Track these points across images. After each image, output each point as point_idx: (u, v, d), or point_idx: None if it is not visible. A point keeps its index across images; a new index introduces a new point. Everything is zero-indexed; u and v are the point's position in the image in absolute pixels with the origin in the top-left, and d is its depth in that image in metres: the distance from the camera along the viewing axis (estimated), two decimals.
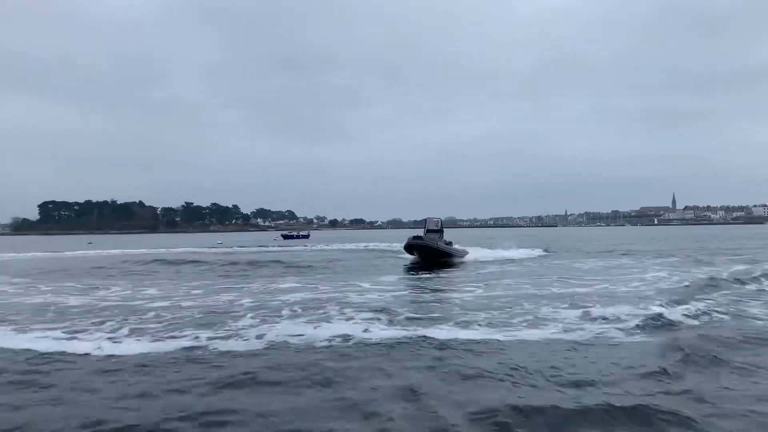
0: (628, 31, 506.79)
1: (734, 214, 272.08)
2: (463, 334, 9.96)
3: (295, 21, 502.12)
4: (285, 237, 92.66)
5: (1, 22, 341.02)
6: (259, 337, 10.07)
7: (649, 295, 15.24)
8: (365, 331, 10.33)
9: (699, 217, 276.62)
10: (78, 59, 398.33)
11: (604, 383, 6.98)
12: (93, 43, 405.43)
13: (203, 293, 17.23)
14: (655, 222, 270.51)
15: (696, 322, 11.02)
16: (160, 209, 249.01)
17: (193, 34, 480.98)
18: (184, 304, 14.91)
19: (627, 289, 16.86)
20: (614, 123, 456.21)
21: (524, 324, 11.12)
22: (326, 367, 7.72)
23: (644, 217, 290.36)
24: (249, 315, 12.63)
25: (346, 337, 9.78)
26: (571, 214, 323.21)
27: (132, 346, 9.49)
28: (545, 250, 39.83)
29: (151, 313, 13.25)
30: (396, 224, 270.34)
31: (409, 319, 11.92)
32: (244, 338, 10.03)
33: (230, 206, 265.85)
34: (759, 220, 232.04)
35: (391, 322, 11.39)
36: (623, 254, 34.67)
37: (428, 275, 23.15)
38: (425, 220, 33.28)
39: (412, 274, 23.70)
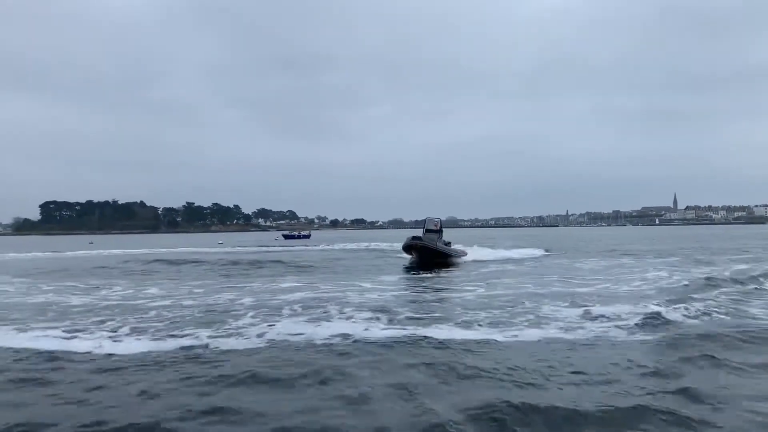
0: (628, 31, 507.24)
1: (736, 214, 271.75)
2: (463, 334, 9.98)
3: (295, 21, 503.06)
4: (286, 237, 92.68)
5: (1, 22, 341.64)
6: (260, 335, 10.10)
7: (649, 294, 15.25)
8: (365, 330, 10.36)
9: (700, 217, 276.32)
10: (78, 59, 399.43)
11: (603, 382, 6.99)
12: (93, 43, 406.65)
13: (204, 293, 17.26)
14: (657, 222, 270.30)
15: (695, 322, 11.03)
16: (161, 209, 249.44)
17: (193, 34, 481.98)
18: (185, 303, 14.95)
19: (628, 289, 16.88)
20: (614, 123, 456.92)
21: (524, 324, 11.12)
22: (325, 366, 7.74)
23: (645, 217, 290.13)
24: (249, 314, 12.66)
25: (345, 336, 9.81)
26: (572, 214, 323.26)
27: (133, 345, 9.52)
28: (546, 250, 39.82)
29: (153, 312, 13.29)
30: (397, 224, 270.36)
31: (409, 318, 11.94)
32: (245, 337, 10.07)
33: (231, 206, 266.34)
34: (760, 220, 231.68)
35: (391, 322, 11.41)
36: (624, 254, 34.65)
37: (429, 275, 23.16)
38: (425, 220, 32.87)
39: (413, 274, 23.71)
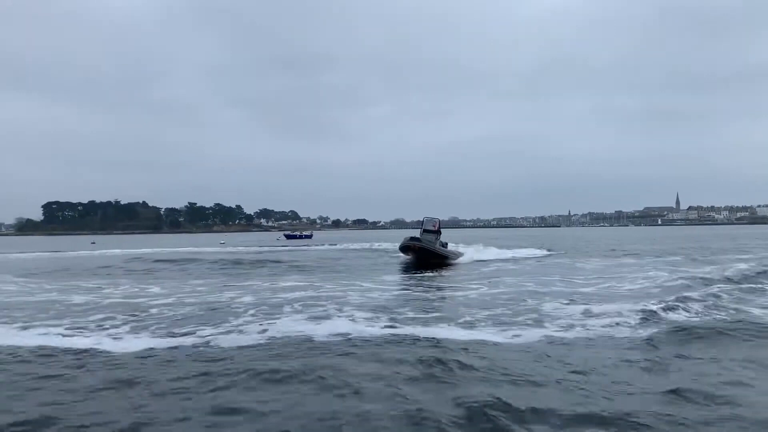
0: (628, 31, 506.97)
1: (738, 215, 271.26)
2: (463, 334, 9.98)
3: (295, 21, 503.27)
4: (288, 237, 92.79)
5: (1, 22, 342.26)
6: (260, 333, 10.13)
7: (648, 294, 15.26)
8: (364, 329, 10.39)
9: (703, 217, 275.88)
10: (78, 59, 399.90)
11: (600, 382, 6.98)
12: (93, 43, 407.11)
13: (205, 291, 17.32)
14: (659, 222, 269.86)
15: (694, 321, 11.03)
16: (163, 210, 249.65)
17: (193, 34, 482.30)
18: (187, 301, 15.04)
19: (627, 288, 16.89)
20: (614, 123, 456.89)
21: (525, 323, 11.11)
22: (323, 365, 7.75)
23: (648, 217, 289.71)
24: (250, 312, 12.72)
25: (345, 335, 9.83)
26: (574, 215, 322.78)
27: (133, 343, 9.58)
28: (548, 250, 39.80)
29: (154, 310, 13.37)
30: (399, 224, 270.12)
31: (409, 318, 11.96)
32: (245, 334, 10.11)
33: (233, 206, 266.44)
34: (763, 221, 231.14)
35: (391, 321, 11.42)
36: (625, 254, 34.62)
37: (431, 274, 23.21)
38: (422, 220, 32.30)
39: (414, 273, 23.70)
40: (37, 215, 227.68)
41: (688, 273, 20.93)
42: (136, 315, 12.68)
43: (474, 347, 8.90)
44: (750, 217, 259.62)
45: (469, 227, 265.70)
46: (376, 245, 52.14)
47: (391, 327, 10.63)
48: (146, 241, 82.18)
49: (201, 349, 9.09)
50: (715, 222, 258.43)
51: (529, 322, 11.23)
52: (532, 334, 9.93)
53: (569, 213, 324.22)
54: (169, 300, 15.33)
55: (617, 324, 10.63)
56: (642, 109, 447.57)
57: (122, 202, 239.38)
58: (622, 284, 17.97)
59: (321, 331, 10.16)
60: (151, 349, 9.12)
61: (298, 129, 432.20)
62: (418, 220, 31.63)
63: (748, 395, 6.43)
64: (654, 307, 12.10)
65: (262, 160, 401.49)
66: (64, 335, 10.34)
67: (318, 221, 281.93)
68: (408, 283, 20.05)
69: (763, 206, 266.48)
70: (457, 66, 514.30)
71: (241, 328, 10.77)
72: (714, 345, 8.94)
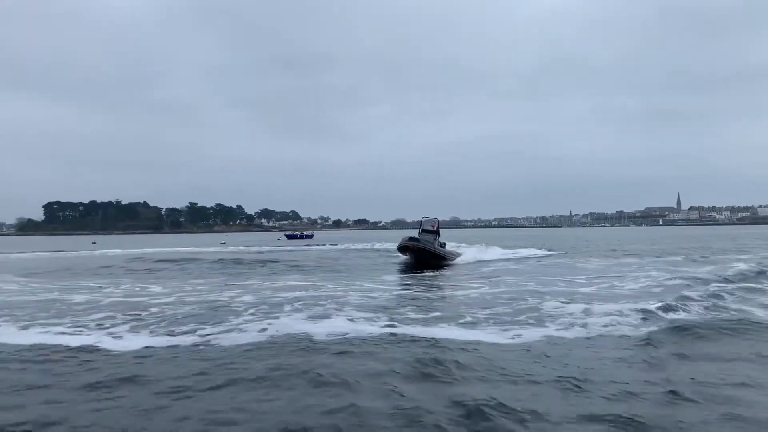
0: (628, 31, 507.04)
1: (739, 215, 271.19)
2: (462, 333, 9.95)
3: (295, 21, 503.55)
4: (289, 237, 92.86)
5: (1, 22, 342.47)
6: (259, 332, 10.14)
7: (649, 294, 15.24)
8: (364, 328, 10.38)
9: (704, 217, 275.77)
10: (78, 59, 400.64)
11: (597, 382, 6.95)
12: (93, 43, 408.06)
13: (206, 291, 17.34)
14: (660, 222, 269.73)
15: (696, 319, 11.02)
16: (164, 210, 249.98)
17: (193, 34, 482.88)
18: (187, 300, 15.07)
19: (629, 288, 16.87)
20: (614, 123, 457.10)
21: (524, 323, 11.06)
22: (321, 363, 7.77)
23: (649, 217, 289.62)
24: (250, 311, 12.73)
25: (344, 334, 9.83)
26: (575, 215, 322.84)
27: (133, 341, 9.60)
28: (549, 250, 39.79)
29: (154, 309, 13.40)
30: (400, 224, 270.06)
31: (408, 317, 11.95)
32: (245, 333, 10.13)
33: (234, 207, 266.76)
34: (764, 221, 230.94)
35: (390, 320, 11.38)
36: (625, 254, 34.61)
37: (431, 273, 23.22)
38: (421, 220, 31.81)
39: (415, 273, 23.69)
40: (38, 215, 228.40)
41: (688, 273, 20.92)
42: (137, 314, 12.70)
43: (473, 347, 8.90)
44: (751, 217, 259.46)
45: (470, 227, 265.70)
46: (377, 245, 52.15)
47: (390, 326, 10.62)
48: (147, 241, 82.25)
49: (200, 347, 9.11)
50: (716, 222, 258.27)
51: (529, 321, 11.21)
52: (532, 334, 9.91)
53: (570, 213, 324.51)
54: (170, 299, 15.36)
55: (617, 323, 10.61)
56: (642, 109, 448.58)
57: (123, 202, 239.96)
58: (623, 284, 17.96)
59: (320, 330, 10.17)
60: (151, 347, 9.14)
61: (299, 129, 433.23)
62: (419, 221, 31.44)
63: (748, 395, 6.41)
64: (654, 307, 12.09)
65: (263, 160, 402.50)
66: (64, 334, 10.36)
67: (319, 221, 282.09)
68: (408, 282, 20.06)
69: (765, 206, 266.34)
70: (457, 66, 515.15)
71: (240, 326, 10.78)
72: (714, 345, 8.94)
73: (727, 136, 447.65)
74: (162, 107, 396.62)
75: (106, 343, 9.50)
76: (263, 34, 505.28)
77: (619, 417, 5.65)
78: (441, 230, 30.58)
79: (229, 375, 7.29)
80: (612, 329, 10.21)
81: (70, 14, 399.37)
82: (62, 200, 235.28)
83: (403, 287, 18.46)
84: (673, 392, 6.43)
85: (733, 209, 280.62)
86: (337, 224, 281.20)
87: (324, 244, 60.35)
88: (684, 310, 11.93)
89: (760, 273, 20.09)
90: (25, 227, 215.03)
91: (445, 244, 30.80)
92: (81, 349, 9.08)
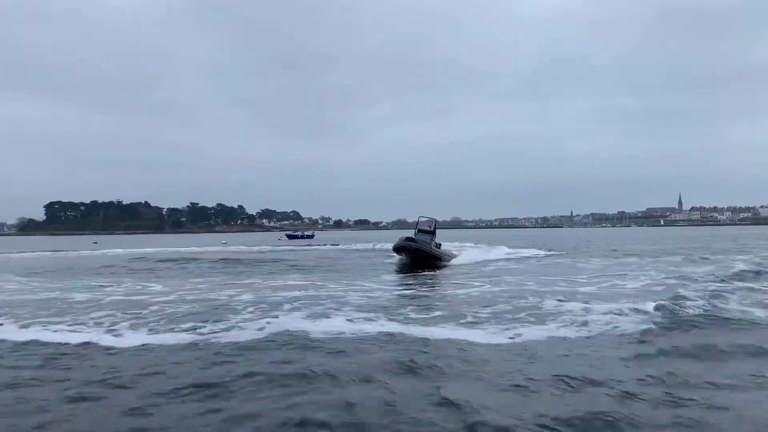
0: (628, 31, 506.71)
1: (741, 215, 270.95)
2: (461, 333, 9.91)
3: (295, 21, 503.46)
4: (290, 237, 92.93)
5: (1, 22, 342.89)
6: (257, 330, 10.17)
7: (648, 293, 15.21)
8: (362, 328, 10.38)
9: (705, 218, 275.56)
10: (78, 59, 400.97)
11: (598, 381, 6.94)
12: (93, 43, 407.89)
13: (206, 289, 17.39)
14: (662, 223, 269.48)
15: (695, 319, 11.00)
16: (165, 210, 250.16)
17: (193, 34, 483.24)
18: (187, 298, 15.14)
19: (629, 287, 16.85)
20: (614, 123, 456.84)
21: (523, 322, 11.01)
22: (315, 362, 7.76)
23: (650, 218, 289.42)
24: (249, 310, 12.78)
25: (342, 334, 9.83)
26: (576, 215, 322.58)
27: (132, 339, 9.66)
28: (550, 251, 39.78)
29: (154, 307, 13.47)
30: (401, 225, 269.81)
31: (407, 317, 11.94)
32: (243, 331, 10.17)
33: (235, 207, 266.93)
34: (766, 221, 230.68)
35: (389, 320, 11.38)
36: (626, 254, 34.57)
37: (431, 273, 23.27)
38: (417, 220, 31.15)
39: (415, 273, 23.66)
40: (39, 215, 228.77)
41: (687, 273, 20.92)
42: (136, 312, 12.76)
43: (470, 346, 8.90)
44: (753, 217, 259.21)
45: (471, 228, 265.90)
46: (378, 246, 52.15)
47: (388, 326, 10.62)
48: (148, 241, 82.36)
49: (199, 345, 9.15)
50: (717, 223, 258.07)
51: (528, 321, 11.21)
52: (531, 333, 9.89)
53: (572, 213, 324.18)
54: (170, 297, 15.43)
55: (616, 323, 10.61)
56: (642, 109, 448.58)
57: (124, 202, 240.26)
58: (623, 283, 17.96)
59: (318, 328, 10.19)
60: (149, 345, 9.19)
61: (299, 129, 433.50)
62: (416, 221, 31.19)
63: (748, 396, 6.38)
64: (653, 306, 12.09)
65: (263, 160, 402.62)
66: (63, 331, 10.42)
67: (320, 221, 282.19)
68: (408, 282, 20.07)
69: (766, 207, 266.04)
70: (457, 66, 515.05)
71: (239, 325, 10.82)
72: (712, 344, 8.90)
73: (727, 136, 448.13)
74: (162, 107, 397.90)
75: (106, 340, 9.55)
76: (263, 34, 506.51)
77: (617, 417, 5.62)
78: (441, 230, 30.28)
79: (226, 372, 7.32)
80: (610, 328, 10.20)
81: (70, 14, 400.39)
82: (63, 200, 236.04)
83: (404, 287, 18.47)
84: (670, 392, 6.41)
85: (734, 210, 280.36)
86: (338, 224, 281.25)
87: (325, 244, 60.38)
88: (683, 310, 11.90)
89: (760, 273, 20.09)
90: (26, 227, 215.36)
91: (440, 244, 30.36)
92: (79, 346, 9.13)
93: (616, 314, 11.50)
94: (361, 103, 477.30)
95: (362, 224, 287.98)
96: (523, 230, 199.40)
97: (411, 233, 29.88)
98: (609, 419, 5.56)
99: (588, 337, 9.56)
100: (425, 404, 6.07)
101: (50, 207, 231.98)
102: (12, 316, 12.43)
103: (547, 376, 7.07)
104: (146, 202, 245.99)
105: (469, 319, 11.46)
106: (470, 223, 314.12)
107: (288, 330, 9.98)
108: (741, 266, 22.73)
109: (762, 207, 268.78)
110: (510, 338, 9.59)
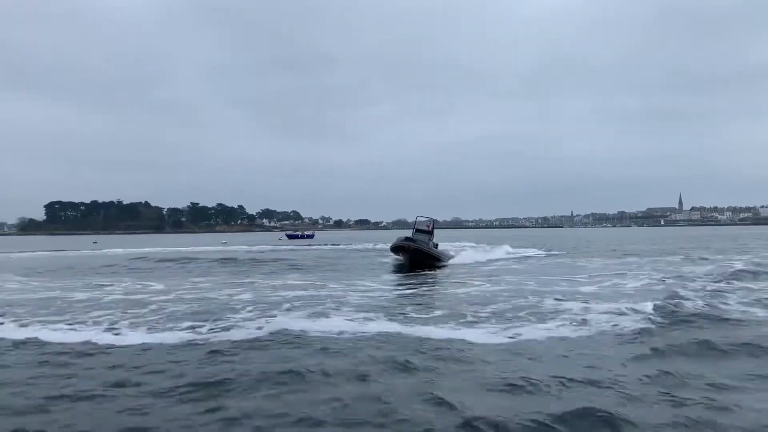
0: (628, 31, 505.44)
1: (741, 215, 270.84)
2: (459, 333, 9.89)
3: (295, 21, 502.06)
4: (290, 237, 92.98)
5: (1, 22, 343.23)
6: (255, 330, 10.15)
7: (647, 293, 15.21)
8: (359, 327, 10.37)
9: (706, 218, 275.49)
10: (78, 59, 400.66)
11: (596, 380, 6.93)
12: (93, 43, 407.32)
13: (205, 289, 17.41)
14: (662, 223, 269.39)
15: (694, 319, 10.99)
16: (165, 210, 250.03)
17: (193, 34, 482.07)
18: (186, 297, 15.17)
19: (628, 287, 16.86)
20: (614, 123, 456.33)
21: (521, 322, 10.98)
22: (310, 363, 7.71)
23: (651, 218, 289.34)
24: (248, 309, 12.80)
25: (339, 333, 9.82)
26: (577, 215, 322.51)
27: (130, 337, 9.70)
28: (550, 250, 39.79)
29: (153, 306, 13.51)
30: (401, 225, 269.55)
31: (405, 316, 11.96)
32: (240, 330, 10.18)
33: (236, 207, 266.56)
34: (766, 221, 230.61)
35: (387, 320, 11.38)
36: (627, 254, 34.58)
37: (431, 272, 23.30)
38: (415, 220, 30.75)
39: (416, 273, 23.66)
40: (40, 215, 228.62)
41: (687, 272, 20.94)
42: (136, 311, 12.78)
43: (469, 346, 8.89)
44: (753, 217, 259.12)
45: (471, 228, 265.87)
46: (378, 246, 52.11)
47: (387, 325, 10.62)
48: (148, 241, 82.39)
49: (197, 344, 9.16)
50: (717, 223, 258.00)
51: (527, 320, 11.20)
52: (530, 333, 9.88)
53: (572, 213, 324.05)
54: (169, 296, 15.46)
55: (616, 322, 10.60)
56: (642, 109, 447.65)
57: (124, 202, 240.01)
58: (623, 283, 17.97)
59: (316, 328, 10.19)
60: (148, 344, 9.21)
61: (299, 129, 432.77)
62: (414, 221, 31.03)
63: (747, 395, 6.36)
64: (652, 306, 12.10)
65: (263, 160, 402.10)
66: (62, 330, 10.45)
67: (320, 221, 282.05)
68: (407, 282, 20.06)
69: (766, 207, 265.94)
70: (457, 66, 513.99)
71: (237, 324, 10.83)
72: (711, 344, 8.92)
73: (727, 136, 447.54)
74: (162, 107, 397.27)
75: (105, 339, 9.58)
76: (263, 34, 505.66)
77: (615, 416, 5.59)
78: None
79: (223, 371, 7.31)
80: (610, 327, 10.20)
81: (70, 14, 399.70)
82: (63, 200, 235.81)
83: (403, 287, 18.47)
84: (668, 392, 6.41)
85: (734, 210, 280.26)
86: (339, 224, 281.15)
87: (325, 244, 60.39)
88: (682, 310, 11.90)
89: (759, 273, 20.09)
90: (27, 227, 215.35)
91: (437, 244, 30.09)
92: (78, 345, 9.15)
93: (615, 314, 11.51)
94: (361, 103, 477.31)
95: (362, 224, 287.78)
96: (523, 230, 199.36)
97: (410, 233, 29.71)
98: (607, 418, 5.54)
99: (587, 337, 9.55)
100: (420, 403, 6.07)
101: (50, 207, 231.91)
102: (12, 315, 12.45)
103: (545, 375, 7.05)
104: (146, 202, 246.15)
105: (468, 318, 11.46)
106: (470, 223, 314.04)
107: (286, 329, 9.98)
108: (740, 266, 22.74)
109: (762, 207, 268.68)
110: (509, 338, 9.57)
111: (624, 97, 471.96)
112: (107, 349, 8.90)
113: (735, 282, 17.19)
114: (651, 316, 11.07)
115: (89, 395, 6.50)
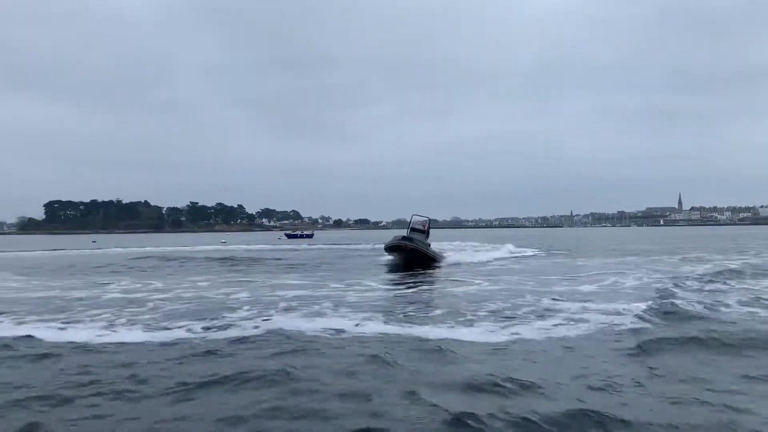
0: (628, 31, 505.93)
1: (740, 215, 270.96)
2: (456, 332, 9.84)
3: (295, 21, 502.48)
4: (289, 236, 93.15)
5: (1, 22, 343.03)
6: (251, 329, 10.13)
7: (646, 292, 15.20)
8: (356, 327, 10.35)
9: (705, 218, 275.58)
10: (78, 59, 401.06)
11: (594, 380, 6.92)
12: (93, 43, 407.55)
13: (203, 288, 17.42)
14: (661, 223, 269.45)
15: (692, 318, 10.98)
16: (165, 209, 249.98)
17: (193, 34, 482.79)
18: (184, 296, 15.20)
19: (627, 286, 16.88)
20: (614, 123, 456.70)
21: (518, 322, 10.90)
22: (303, 362, 7.67)
23: (650, 217, 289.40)
24: (245, 308, 12.79)
25: (336, 332, 9.81)
26: (576, 215, 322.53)
27: (126, 336, 9.72)
28: (549, 250, 39.80)
29: (150, 305, 13.54)
30: (401, 224, 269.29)
31: (403, 316, 11.91)
32: (236, 330, 10.16)
33: (235, 206, 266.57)
34: (765, 221, 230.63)
35: (385, 319, 11.34)
36: (626, 254, 34.62)
37: (431, 271, 23.32)
38: (410, 219, 30.30)
39: (414, 272, 23.64)
40: (39, 214, 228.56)
41: (685, 272, 20.97)
42: (133, 310, 12.79)
43: (462, 345, 8.85)
44: (752, 217, 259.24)
45: (471, 227, 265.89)
46: (377, 245, 52.04)
47: (383, 325, 10.61)
48: (148, 240, 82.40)
49: (192, 343, 9.14)
50: (717, 222, 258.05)
51: (524, 319, 11.18)
52: (526, 332, 9.86)
53: (571, 213, 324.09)
54: (167, 295, 15.46)
55: (613, 322, 10.60)
56: (642, 109, 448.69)
57: (124, 202, 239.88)
58: (622, 282, 18.00)
59: (313, 327, 10.17)
60: (143, 342, 9.21)
61: (299, 129, 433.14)
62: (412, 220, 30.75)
63: (743, 397, 6.29)
64: (650, 305, 12.13)
65: (263, 159, 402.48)
66: (58, 329, 10.44)
67: (320, 221, 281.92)
68: (405, 281, 20.04)
69: (766, 207, 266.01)
70: (457, 66, 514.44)
71: (234, 323, 10.81)
72: (709, 343, 8.93)
73: (727, 136, 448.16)
74: (162, 107, 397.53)
75: (101, 337, 9.58)
76: (263, 34, 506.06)
77: (609, 415, 5.56)
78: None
79: (215, 370, 7.27)
80: (607, 326, 10.19)
81: (70, 14, 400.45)
82: (63, 199, 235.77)
83: (402, 286, 18.44)
84: (664, 391, 6.39)
85: (734, 209, 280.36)
86: (338, 224, 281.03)
87: (325, 244, 60.38)
88: (679, 309, 11.89)
89: (757, 272, 20.10)
90: (26, 226, 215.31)
91: (430, 244, 29.22)
92: (74, 343, 9.13)
93: (612, 313, 11.52)
94: (361, 103, 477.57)
95: (362, 224, 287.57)
96: (522, 230, 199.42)
97: (405, 233, 29.40)
98: (600, 418, 5.51)
99: (583, 336, 9.54)
100: (408, 402, 6.02)
101: (50, 206, 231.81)
102: (10, 314, 12.45)
103: (539, 375, 7.03)
104: (146, 201, 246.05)
105: (465, 318, 11.44)
106: (470, 223, 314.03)
107: (282, 329, 9.96)
108: (739, 265, 22.77)
109: (762, 207, 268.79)
110: (505, 336, 9.55)
111: (624, 97, 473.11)
112: (102, 347, 8.88)
113: (733, 282, 17.20)
114: (648, 316, 11.06)
115: (81, 393, 6.49)
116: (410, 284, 18.75)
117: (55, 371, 7.48)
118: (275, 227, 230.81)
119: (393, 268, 25.50)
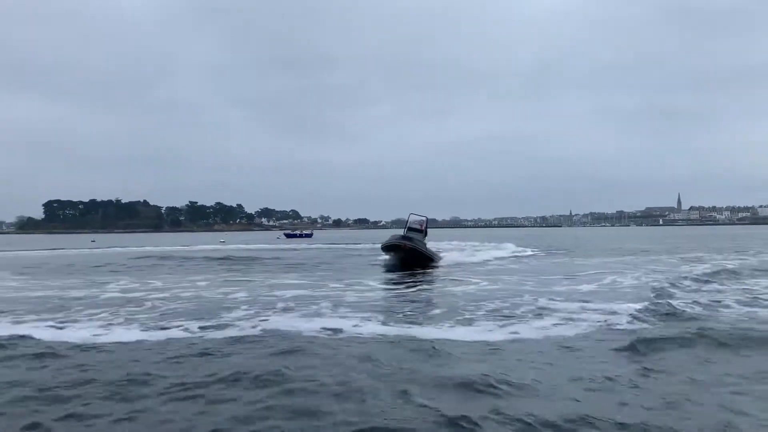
0: (628, 31, 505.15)
1: (740, 215, 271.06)
2: (454, 333, 9.85)
3: (295, 21, 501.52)
4: (288, 236, 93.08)
5: (1, 22, 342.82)
6: (248, 329, 10.15)
7: (645, 292, 15.22)
8: (353, 327, 10.34)
9: (704, 217, 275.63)
10: (78, 59, 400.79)
11: (582, 379, 6.93)
12: (93, 43, 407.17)
13: (201, 287, 17.41)
14: (660, 222, 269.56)
15: (691, 318, 11.00)
16: (164, 208, 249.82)
17: (193, 34, 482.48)
18: (182, 296, 15.20)
19: (625, 286, 16.90)
20: (614, 123, 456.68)
21: (517, 321, 10.91)
22: (298, 363, 7.66)
23: (649, 217, 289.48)
24: (243, 308, 12.79)
25: (333, 332, 9.80)
26: (575, 215, 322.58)
27: (123, 335, 9.73)
28: (547, 250, 39.82)
29: (148, 304, 13.55)
30: (400, 224, 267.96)
31: (401, 316, 11.94)
32: (233, 329, 10.17)
33: (234, 206, 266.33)
34: (764, 221, 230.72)
35: (384, 319, 11.36)
36: (625, 253, 34.64)
37: (430, 270, 23.32)
38: (408, 218, 30.01)
39: (412, 272, 23.64)
40: (38, 214, 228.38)
41: (684, 271, 20.98)
42: (131, 309, 12.80)
43: (463, 345, 8.87)
44: (751, 217, 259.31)
45: (470, 227, 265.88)
46: (377, 245, 51.96)
47: (381, 326, 10.60)
48: (147, 240, 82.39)
49: (188, 343, 9.14)
50: (716, 222, 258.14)
51: (521, 319, 11.19)
52: (523, 331, 9.87)
53: (571, 213, 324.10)
54: (165, 295, 15.46)
55: (610, 321, 10.62)
56: (642, 109, 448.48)
57: (123, 201, 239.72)
58: (621, 281, 18.01)
59: (310, 327, 10.17)
60: (139, 342, 9.23)
61: (299, 129, 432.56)
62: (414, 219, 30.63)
63: (742, 398, 6.29)
64: (648, 305, 12.15)
65: (263, 159, 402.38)
66: (56, 328, 10.44)
67: (319, 221, 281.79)
68: (404, 281, 20.05)
69: (765, 207, 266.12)
70: (457, 66, 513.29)
71: (231, 323, 10.82)
72: (707, 343, 8.94)
73: (726, 136, 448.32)
74: (162, 107, 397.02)
75: (98, 337, 9.59)
76: (263, 34, 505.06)
77: (604, 416, 5.55)
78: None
79: (210, 371, 7.27)
80: (604, 326, 10.22)
81: (70, 14, 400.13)
82: (62, 199, 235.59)
83: (402, 285, 18.45)
84: (661, 390, 6.40)
85: (733, 209, 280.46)
86: (338, 224, 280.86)
87: (324, 244, 60.38)
88: (677, 309, 11.93)
89: (755, 272, 20.13)
90: (25, 226, 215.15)
91: (425, 244, 28.83)
92: (71, 342, 9.14)
93: (610, 312, 11.55)
94: (361, 103, 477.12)
95: (362, 223, 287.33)
96: (522, 229, 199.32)
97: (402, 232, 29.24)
98: (597, 419, 5.49)
99: (580, 335, 9.56)
100: (401, 402, 6.03)
101: (49, 205, 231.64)
102: (9, 313, 12.46)
103: (535, 376, 7.03)
104: (145, 200, 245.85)
105: (463, 317, 11.46)
106: (469, 222, 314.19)
107: (279, 329, 9.98)
108: (737, 265, 22.80)
109: (761, 207, 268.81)
110: (502, 336, 9.56)
111: (624, 97, 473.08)
112: (100, 347, 8.89)
113: (731, 281, 17.23)
114: (645, 316, 11.09)
115: (79, 393, 6.49)
116: (409, 284, 18.76)
117: (53, 370, 7.48)
118: (274, 227, 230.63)
119: (391, 268, 25.43)
